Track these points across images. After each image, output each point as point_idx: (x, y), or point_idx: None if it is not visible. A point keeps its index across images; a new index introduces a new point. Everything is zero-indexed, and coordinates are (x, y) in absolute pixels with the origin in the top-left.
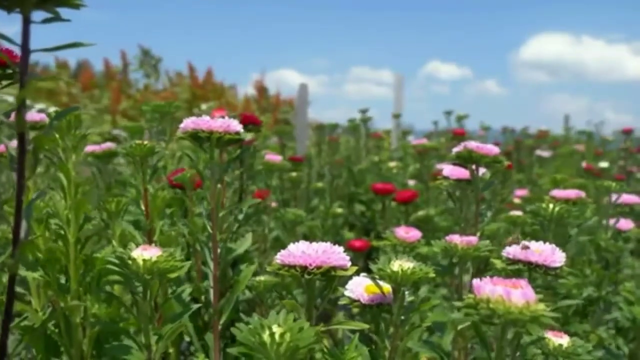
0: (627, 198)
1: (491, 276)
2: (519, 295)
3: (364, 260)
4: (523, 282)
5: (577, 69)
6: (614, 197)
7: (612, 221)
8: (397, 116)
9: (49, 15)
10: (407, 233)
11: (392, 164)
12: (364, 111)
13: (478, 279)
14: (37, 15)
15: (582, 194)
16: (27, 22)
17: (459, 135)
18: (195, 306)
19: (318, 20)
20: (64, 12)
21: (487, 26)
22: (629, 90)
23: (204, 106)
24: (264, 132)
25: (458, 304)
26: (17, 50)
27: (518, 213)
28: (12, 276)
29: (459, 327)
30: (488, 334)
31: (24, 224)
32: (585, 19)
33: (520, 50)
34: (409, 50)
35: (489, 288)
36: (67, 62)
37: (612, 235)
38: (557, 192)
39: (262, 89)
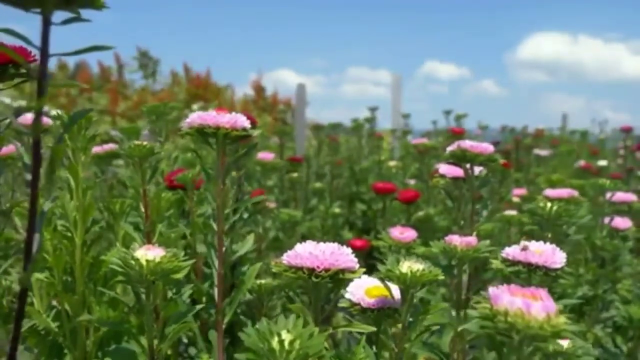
0: (621, 196)
1: (505, 283)
2: (539, 308)
3: (364, 260)
4: (543, 293)
5: (575, 68)
6: (608, 195)
7: (606, 219)
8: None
9: (68, 16)
10: (402, 234)
11: (392, 163)
12: (373, 109)
13: (495, 288)
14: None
15: (575, 192)
16: (47, 24)
17: (457, 134)
18: (199, 306)
19: (316, 20)
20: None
21: (485, 26)
22: (627, 90)
23: (195, 106)
24: (261, 132)
25: (472, 312)
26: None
27: (512, 212)
28: (23, 290)
29: (459, 328)
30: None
31: (36, 236)
32: (582, 18)
33: (518, 50)
34: (407, 51)
35: (507, 299)
36: (66, 64)
37: (608, 234)
38: (550, 192)
39: (259, 89)
